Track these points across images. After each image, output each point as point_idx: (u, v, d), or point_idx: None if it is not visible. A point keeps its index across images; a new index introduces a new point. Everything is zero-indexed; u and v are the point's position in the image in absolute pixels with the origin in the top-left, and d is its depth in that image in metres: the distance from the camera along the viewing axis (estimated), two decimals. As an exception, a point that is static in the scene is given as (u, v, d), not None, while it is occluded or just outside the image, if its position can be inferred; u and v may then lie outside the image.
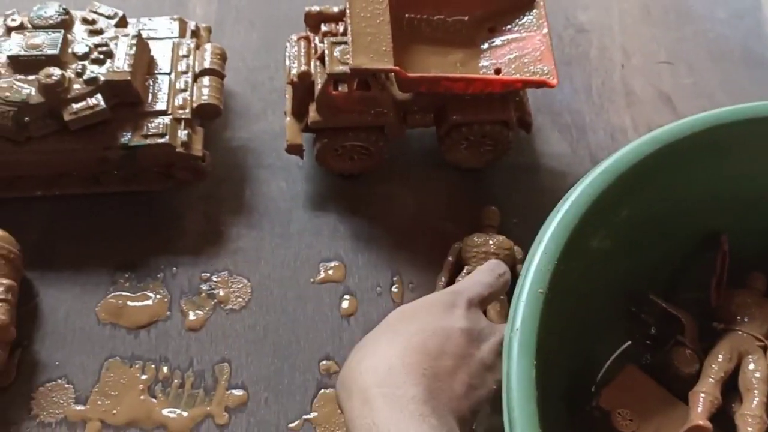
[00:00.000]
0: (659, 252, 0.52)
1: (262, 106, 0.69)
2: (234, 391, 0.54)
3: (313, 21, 0.62)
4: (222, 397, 0.54)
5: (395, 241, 0.62)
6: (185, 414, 0.53)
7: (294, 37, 0.61)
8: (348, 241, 0.62)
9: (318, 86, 0.57)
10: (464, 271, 0.56)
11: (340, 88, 0.57)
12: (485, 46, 0.61)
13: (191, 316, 0.57)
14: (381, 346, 0.43)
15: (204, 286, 0.59)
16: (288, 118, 0.61)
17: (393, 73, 0.55)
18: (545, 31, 0.58)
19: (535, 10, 0.60)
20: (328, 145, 0.60)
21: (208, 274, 0.59)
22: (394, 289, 0.59)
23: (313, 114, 0.58)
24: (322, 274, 0.60)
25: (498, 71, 0.59)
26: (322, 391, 0.55)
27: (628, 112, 0.69)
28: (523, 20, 0.60)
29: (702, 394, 0.46)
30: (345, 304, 0.58)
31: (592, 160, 0.66)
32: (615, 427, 0.47)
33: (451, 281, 0.56)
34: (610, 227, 0.47)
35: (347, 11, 0.55)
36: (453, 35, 0.61)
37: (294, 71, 0.59)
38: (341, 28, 0.61)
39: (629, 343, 0.54)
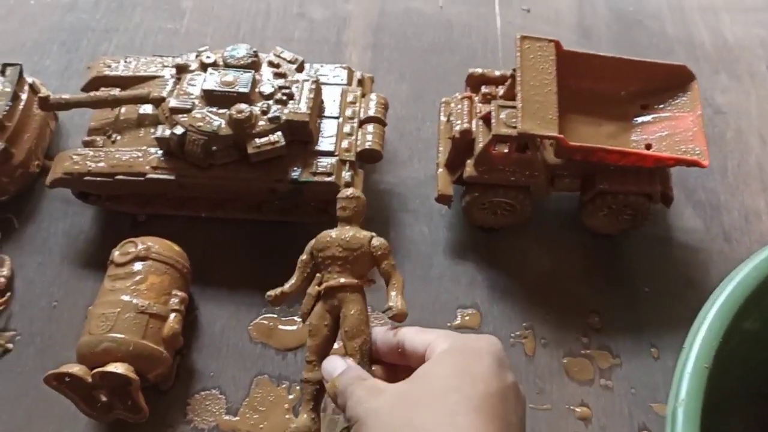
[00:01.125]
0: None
1: (408, 154, 0.73)
2: (372, 421, 0.58)
3: (475, 82, 0.67)
4: (361, 425, 0.57)
5: (529, 296, 0.64)
6: (327, 438, 0.57)
7: (458, 96, 0.66)
8: (484, 290, 0.65)
9: (478, 144, 0.61)
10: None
11: (498, 148, 0.61)
12: (637, 121, 0.64)
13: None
14: None
15: (349, 318, 0.63)
16: (440, 170, 0.65)
17: (552, 140, 0.58)
18: (699, 113, 0.61)
19: (689, 92, 0.63)
20: (477, 198, 0.63)
21: (356, 308, 0.63)
22: (526, 342, 0.62)
23: (469, 168, 0.62)
24: (459, 320, 0.63)
25: (648, 146, 0.62)
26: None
27: (763, 196, 0.71)
28: (677, 101, 0.63)
29: None
30: (479, 351, 0.61)
31: (725, 238, 0.68)
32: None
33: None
34: (764, 310, 0.49)
35: (518, 79, 0.59)
36: (607, 108, 0.65)
37: (457, 127, 0.63)
38: (501, 91, 0.65)
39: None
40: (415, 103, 0.77)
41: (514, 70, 0.61)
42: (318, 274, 0.50)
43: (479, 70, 0.67)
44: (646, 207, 0.63)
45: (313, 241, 0.50)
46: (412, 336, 0.45)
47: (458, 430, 0.37)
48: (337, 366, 0.45)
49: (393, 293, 0.48)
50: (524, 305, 0.64)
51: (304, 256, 0.50)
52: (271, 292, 0.51)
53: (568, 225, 0.68)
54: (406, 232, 0.68)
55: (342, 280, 0.47)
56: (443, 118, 0.68)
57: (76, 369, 0.51)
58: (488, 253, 0.67)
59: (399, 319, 0.47)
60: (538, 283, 0.65)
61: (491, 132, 0.60)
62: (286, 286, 0.50)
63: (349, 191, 0.50)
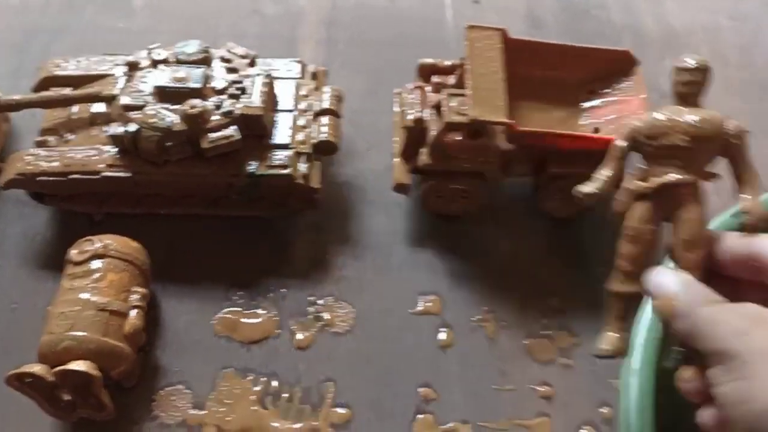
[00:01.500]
0: None
1: (366, 146, 0.74)
2: (339, 409, 0.58)
3: (426, 72, 0.68)
4: (327, 413, 0.58)
5: (490, 280, 0.65)
6: (294, 426, 0.57)
7: (410, 86, 0.67)
8: (445, 277, 0.66)
9: (431, 132, 0.62)
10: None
11: (451, 136, 0.62)
12: (585, 106, 0.66)
13: (299, 335, 0.62)
14: None
15: (311, 309, 0.63)
16: (396, 159, 0.66)
17: (502, 126, 0.60)
18: (643, 96, 0.63)
19: (633, 77, 0.65)
20: (433, 186, 0.64)
21: (315, 298, 0.64)
22: (487, 325, 0.63)
23: (424, 157, 0.63)
24: (421, 306, 0.64)
25: (597, 130, 0.64)
26: (420, 416, 0.58)
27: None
28: (622, 85, 0.65)
29: None
30: (442, 336, 0.62)
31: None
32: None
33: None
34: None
35: (467, 68, 0.60)
36: (556, 94, 0.66)
37: (410, 116, 0.63)
38: (452, 80, 0.66)
39: None
40: (370, 96, 0.78)
41: (463, 59, 0.62)
42: (640, 165, 0.42)
43: (429, 60, 0.67)
44: None
45: (638, 124, 0.41)
46: None
47: None
48: (672, 281, 0.38)
49: (748, 193, 0.39)
50: (485, 290, 0.65)
51: (622, 143, 0.42)
52: (585, 189, 0.42)
53: (528, 211, 0.69)
54: (366, 223, 0.69)
55: (683, 175, 0.39)
56: (397, 109, 0.68)
57: (37, 368, 0.51)
58: (448, 241, 0.68)
59: (753, 225, 0.39)
60: (498, 268, 0.66)
61: (443, 120, 0.61)
62: (601, 182, 0.42)
63: (693, 61, 0.40)
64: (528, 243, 0.68)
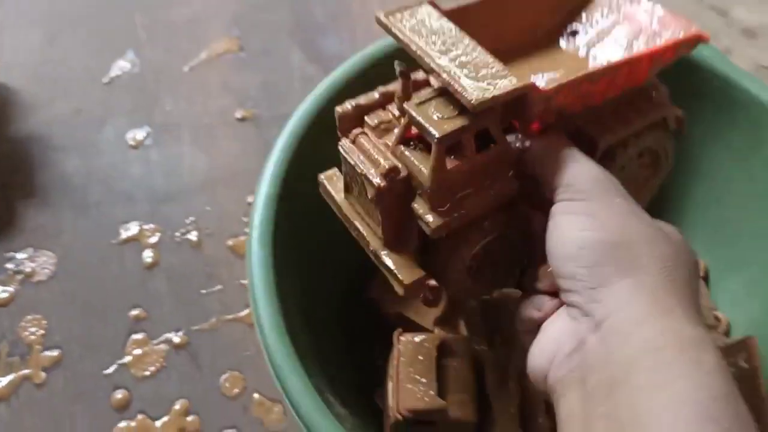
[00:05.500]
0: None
1: (48, 95, 0.72)
2: (48, 353, 0.58)
3: (351, 120, 0.40)
4: (37, 359, 0.58)
5: (190, 197, 0.67)
6: (3, 380, 0.57)
7: (346, 142, 0.39)
8: (144, 203, 0.66)
9: (421, 175, 0.35)
10: None
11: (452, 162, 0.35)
12: (582, 51, 0.43)
13: (0, 293, 0.61)
14: None
15: (9, 265, 0.62)
16: (385, 252, 0.38)
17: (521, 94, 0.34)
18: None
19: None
20: (464, 254, 0.37)
21: (12, 253, 0.63)
22: (192, 236, 0.64)
23: (429, 216, 0.35)
24: (123, 236, 0.64)
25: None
26: (133, 336, 0.59)
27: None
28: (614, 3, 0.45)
29: None
30: (147, 258, 0.63)
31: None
32: (383, 310, 0.54)
33: None
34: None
35: (417, 54, 0.36)
36: (536, 55, 0.43)
37: (375, 179, 0.36)
38: (395, 110, 0.40)
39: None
40: (51, 47, 0.76)
41: (398, 62, 0.37)
42: None
43: (350, 104, 0.40)
44: (667, 144, 0.42)
45: None
46: None
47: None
48: None
49: None
50: (185, 205, 0.66)
51: None
52: None
53: (217, 121, 0.71)
54: (59, 169, 0.68)
55: None
56: (336, 194, 0.41)
57: None
58: (143, 168, 0.68)
59: None
60: (196, 181, 0.68)
61: (435, 138, 0.34)
62: None
63: None
64: (224, 151, 0.69)
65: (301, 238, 0.47)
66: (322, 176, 0.42)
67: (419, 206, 0.35)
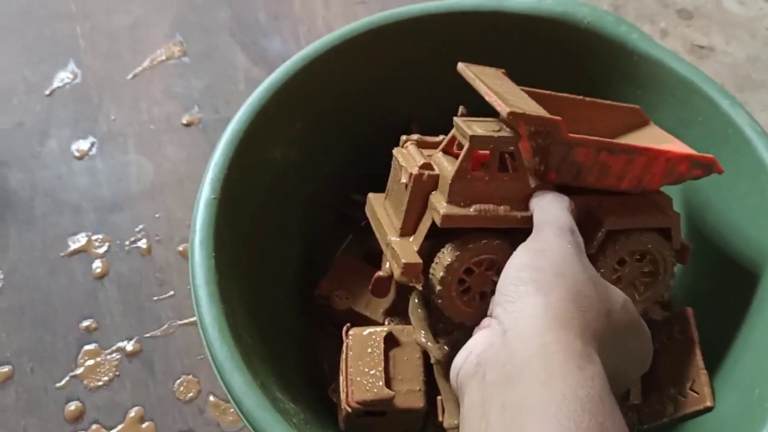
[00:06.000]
0: (354, 153, 0.59)
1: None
2: (-2, 369, 0.58)
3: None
4: (-13, 376, 0.57)
5: (137, 204, 0.66)
6: (-48, 400, 0.56)
7: (397, 149, 0.46)
8: (92, 213, 0.66)
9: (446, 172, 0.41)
10: None
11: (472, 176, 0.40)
12: None
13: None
14: None
15: (-46, 284, 0.61)
16: (394, 238, 0.43)
17: (548, 125, 0.40)
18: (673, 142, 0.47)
19: (652, 126, 0.50)
20: (462, 259, 0.41)
21: (-43, 272, 0.62)
22: (141, 244, 0.64)
23: (443, 204, 0.40)
24: (71, 247, 0.64)
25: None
26: (86, 347, 0.59)
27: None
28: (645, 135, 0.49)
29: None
30: (96, 268, 0.63)
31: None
32: (334, 307, 0.55)
33: None
34: (290, 139, 0.54)
35: (483, 89, 0.42)
36: None
37: (411, 168, 0.42)
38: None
39: (351, 236, 0.61)
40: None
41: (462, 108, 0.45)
42: None
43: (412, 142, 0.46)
44: (669, 257, 0.44)
45: None
46: None
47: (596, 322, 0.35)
48: None
49: None
50: (134, 213, 0.66)
51: None
52: None
53: (162, 127, 0.71)
54: (2, 184, 0.67)
55: None
56: (377, 206, 0.47)
57: None
58: (89, 178, 0.68)
59: None
60: (144, 189, 0.67)
61: (468, 136, 0.39)
62: None
63: None
64: (170, 157, 0.69)
65: (244, 239, 0.48)
66: (370, 195, 0.48)
67: (435, 198, 0.41)
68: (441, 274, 0.41)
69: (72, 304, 0.61)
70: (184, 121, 0.71)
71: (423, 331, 0.47)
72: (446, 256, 0.41)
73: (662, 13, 0.83)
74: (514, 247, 0.38)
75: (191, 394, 0.57)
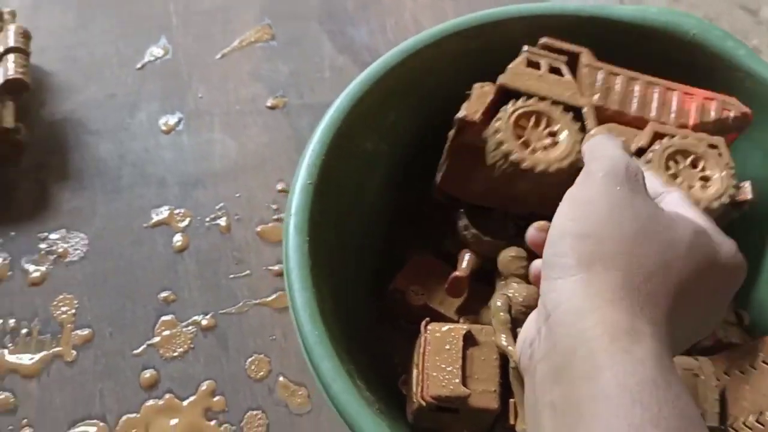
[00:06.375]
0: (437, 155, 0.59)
1: (83, 78, 0.73)
2: (79, 331, 0.59)
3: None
4: (69, 337, 0.59)
5: (215, 180, 0.68)
6: (35, 357, 0.58)
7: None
8: (176, 187, 0.67)
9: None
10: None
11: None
12: None
13: (33, 272, 0.62)
14: None
15: (43, 245, 0.63)
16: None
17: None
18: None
19: None
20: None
21: (46, 234, 0.64)
22: (221, 222, 0.65)
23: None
24: (154, 219, 0.65)
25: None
26: (163, 318, 0.60)
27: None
28: None
29: (466, 252, 0.54)
30: (177, 242, 0.64)
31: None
32: (409, 302, 0.55)
33: None
34: (382, 132, 0.54)
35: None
36: None
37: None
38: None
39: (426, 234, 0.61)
40: (85, 30, 0.77)
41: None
42: None
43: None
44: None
45: None
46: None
47: (667, 270, 0.31)
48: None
49: None
50: (215, 190, 0.67)
51: None
52: None
53: (248, 108, 0.72)
54: (92, 153, 0.69)
55: None
56: None
57: None
58: (175, 153, 0.69)
59: None
60: (226, 167, 0.68)
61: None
62: None
63: None
64: (250, 141, 0.70)
65: (332, 227, 0.48)
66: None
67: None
68: None
69: (152, 274, 0.62)
70: (269, 104, 0.72)
71: (504, 335, 0.47)
72: None
73: (755, 30, 0.81)
74: None
75: (262, 373, 0.58)
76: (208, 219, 0.65)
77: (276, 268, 0.63)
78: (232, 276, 0.62)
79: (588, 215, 0.32)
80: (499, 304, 0.48)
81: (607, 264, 0.31)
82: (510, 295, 0.48)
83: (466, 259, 0.53)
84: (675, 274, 0.31)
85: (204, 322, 0.60)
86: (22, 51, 0.65)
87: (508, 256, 0.50)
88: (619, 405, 0.26)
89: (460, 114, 0.47)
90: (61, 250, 0.63)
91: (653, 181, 0.37)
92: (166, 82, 0.74)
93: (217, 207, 0.66)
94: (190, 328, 0.60)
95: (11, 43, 0.65)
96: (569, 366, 0.29)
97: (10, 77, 0.63)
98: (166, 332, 0.60)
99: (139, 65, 0.75)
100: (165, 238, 0.64)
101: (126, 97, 0.72)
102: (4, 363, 0.57)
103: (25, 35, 0.66)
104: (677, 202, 0.35)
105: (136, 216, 0.65)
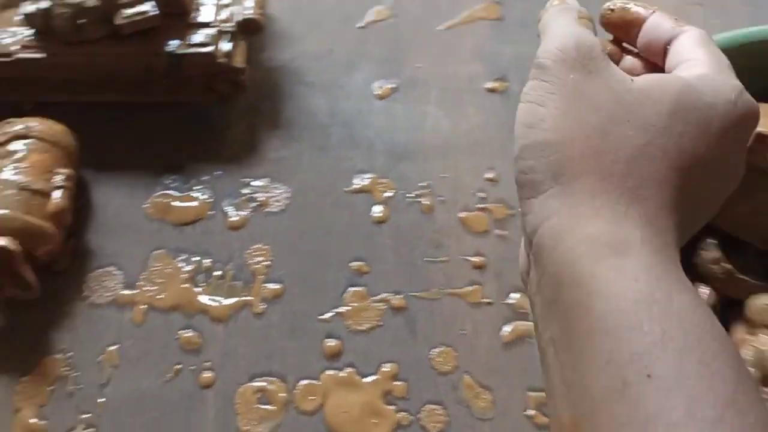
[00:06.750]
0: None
1: (304, 29, 0.72)
2: (270, 285, 0.58)
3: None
4: (259, 288, 0.58)
5: (427, 157, 0.64)
6: (225, 302, 0.57)
7: None
8: (383, 155, 0.64)
9: None
10: None
11: None
12: None
13: (232, 216, 0.61)
14: None
15: (245, 190, 0.62)
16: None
17: None
18: None
19: None
20: None
21: (249, 180, 0.63)
22: (424, 200, 0.62)
23: None
24: (357, 184, 0.63)
25: None
26: (352, 288, 0.58)
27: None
28: None
29: (705, 288, 0.47)
30: (377, 212, 0.61)
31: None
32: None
33: None
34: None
35: None
36: None
37: None
38: None
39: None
40: (310, -22, 0.75)
41: None
42: None
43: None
44: None
45: None
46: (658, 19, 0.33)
47: (648, 162, 0.27)
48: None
49: None
50: (422, 166, 0.64)
51: None
52: None
53: (465, 86, 0.68)
54: (304, 105, 0.67)
55: None
56: None
57: (-49, 246, 0.51)
58: (386, 120, 0.67)
59: None
60: (436, 144, 0.65)
61: None
62: None
63: None
64: (467, 118, 0.66)
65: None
66: None
67: None
68: None
69: (348, 241, 0.60)
70: (488, 86, 0.68)
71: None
72: None
73: None
74: None
75: (447, 368, 0.55)
76: (411, 195, 0.62)
77: (475, 259, 0.59)
78: (428, 259, 0.59)
79: (544, 118, 0.29)
80: (749, 358, 0.43)
81: (576, 170, 0.27)
82: (763, 349, 0.42)
83: (705, 297, 0.47)
84: (660, 154, 0.27)
85: (394, 302, 0.57)
86: (260, -10, 0.64)
87: (762, 303, 0.44)
88: (617, 337, 0.24)
89: (761, 128, 0.41)
90: (262, 198, 0.62)
91: (662, 23, 0.32)
92: (386, 46, 0.71)
93: (422, 184, 0.63)
94: (380, 304, 0.57)
95: (252, -19, 0.64)
96: (559, 297, 0.27)
97: (249, 17, 0.62)
98: (355, 304, 0.57)
99: (360, 24, 0.72)
100: (365, 206, 0.62)
101: (344, 55, 0.70)
102: (196, 303, 0.57)
103: (266, -24, 0.65)
104: (691, 43, 0.31)
105: (340, 178, 0.63)
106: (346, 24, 0.72)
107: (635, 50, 0.35)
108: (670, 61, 0.31)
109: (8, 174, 0.54)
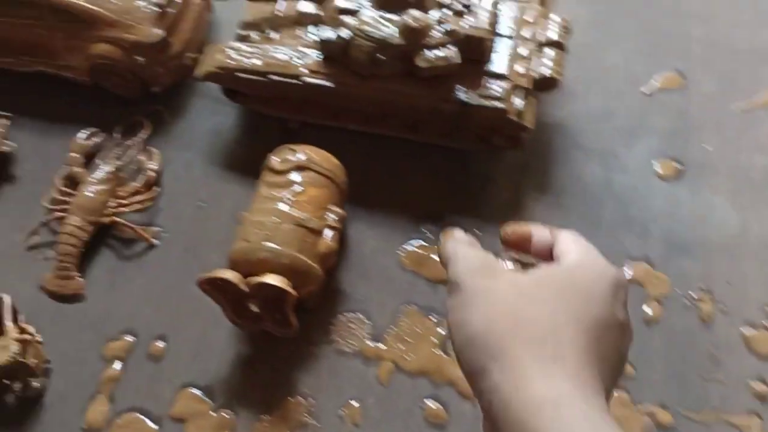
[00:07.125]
0: None
1: (584, 85, 0.66)
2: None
3: None
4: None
5: (711, 254, 0.58)
6: (476, 379, 0.53)
7: None
8: (659, 244, 0.58)
9: None
10: None
11: None
12: None
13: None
14: None
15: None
16: None
17: None
18: None
19: None
20: None
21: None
22: (704, 307, 0.56)
23: None
24: (628, 273, 0.57)
25: None
26: (616, 393, 0.52)
27: None
28: None
29: None
30: (648, 310, 0.56)
31: None
32: None
33: None
34: None
35: None
36: None
37: None
38: None
39: None
40: (596, 29, 0.70)
41: None
42: None
43: None
44: None
45: None
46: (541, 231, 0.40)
47: (556, 329, 0.32)
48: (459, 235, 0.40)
49: None
50: (704, 266, 0.57)
51: None
52: None
53: (761, 181, 0.61)
54: (576, 171, 0.62)
55: None
56: None
57: (231, 275, 0.49)
58: (667, 204, 0.60)
59: None
60: (722, 243, 0.58)
61: None
62: None
63: None
64: (762, 219, 0.59)
65: None
66: None
67: None
68: None
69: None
70: (782, 183, 0.61)
71: None
72: None
73: None
74: None
75: None
76: (688, 297, 0.56)
77: (757, 386, 0.52)
78: (702, 375, 0.53)
79: (468, 319, 0.33)
80: None
81: (504, 346, 0.32)
82: None
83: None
84: (564, 319, 0.32)
85: (660, 416, 0.52)
86: (562, 47, 0.59)
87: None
88: None
89: None
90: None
91: (543, 233, 0.39)
92: (672, 119, 0.65)
93: (701, 286, 0.56)
94: (644, 417, 0.52)
95: (553, 36, 0.59)
96: None
97: (547, 75, 0.57)
98: (618, 410, 0.52)
99: (645, 90, 0.66)
100: (635, 300, 0.56)
101: (624, 120, 0.65)
102: (445, 372, 0.54)
103: (567, 29, 0.60)
104: (567, 241, 0.38)
105: (608, 260, 0.58)
106: (630, 86, 0.66)
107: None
108: (555, 256, 0.37)
109: (285, 206, 0.53)
